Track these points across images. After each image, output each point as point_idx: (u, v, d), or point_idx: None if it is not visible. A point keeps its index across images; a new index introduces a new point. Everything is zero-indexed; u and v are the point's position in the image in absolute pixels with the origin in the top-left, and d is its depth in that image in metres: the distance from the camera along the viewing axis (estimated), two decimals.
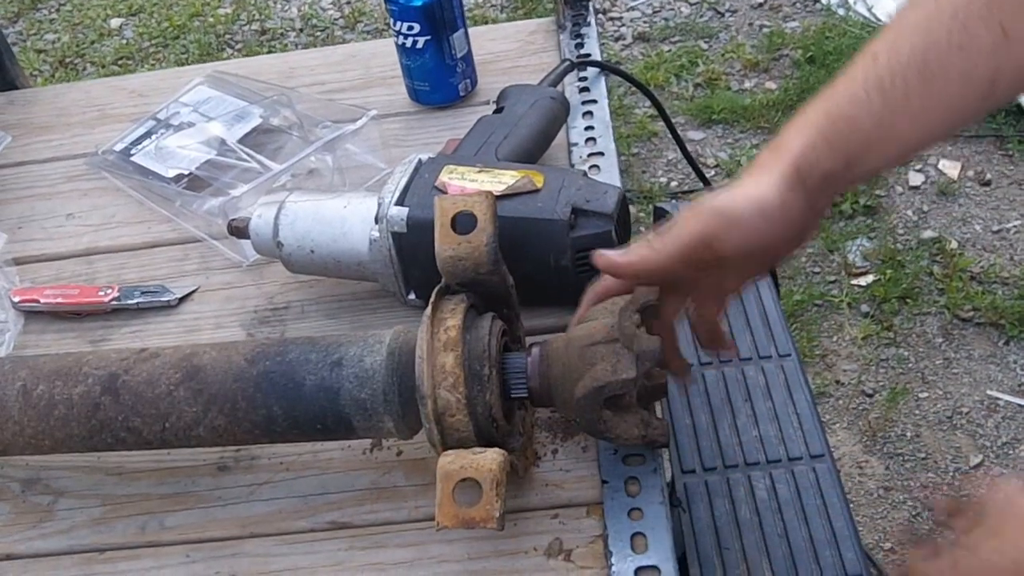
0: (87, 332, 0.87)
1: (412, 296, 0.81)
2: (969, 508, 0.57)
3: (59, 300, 0.88)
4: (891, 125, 0.62)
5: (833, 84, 0.63)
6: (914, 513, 1.68)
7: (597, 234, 0.74)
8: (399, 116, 1.03)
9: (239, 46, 2.93)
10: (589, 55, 1.05)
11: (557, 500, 0.68)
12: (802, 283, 2.02)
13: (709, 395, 1.10)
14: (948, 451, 1.75)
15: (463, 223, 0.66)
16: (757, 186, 0.62)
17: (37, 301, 0.88)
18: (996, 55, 0.60)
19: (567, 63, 1.00)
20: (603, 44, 2.64)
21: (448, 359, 0.62)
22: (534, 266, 0.74)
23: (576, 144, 0.94)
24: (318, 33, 2.94)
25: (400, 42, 0.98)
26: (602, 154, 0.92)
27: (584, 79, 1.02)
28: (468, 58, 1.01)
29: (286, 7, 3.06)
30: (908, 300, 1.95)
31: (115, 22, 3.10)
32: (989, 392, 1.80)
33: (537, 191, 0.76)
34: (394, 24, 0.97)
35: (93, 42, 3.03)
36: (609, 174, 0.90)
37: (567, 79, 1.00)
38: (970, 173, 2.19)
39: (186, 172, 0.96)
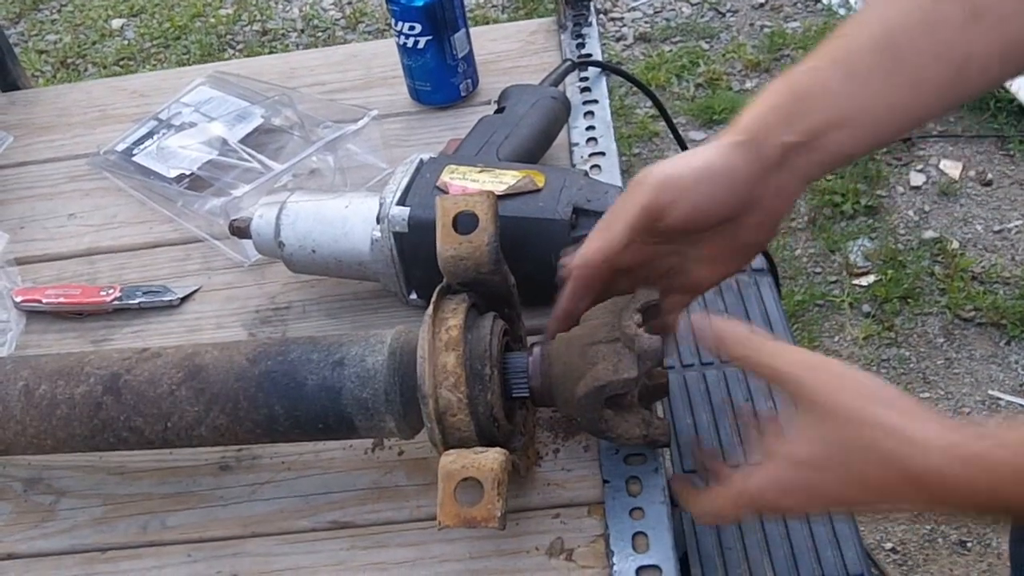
0: (89, 332, 0.87)
1: (413, 296, 0.81)
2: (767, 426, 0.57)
3: (61, 300, 0.88)
4: (856, 101, 0.61)
5: (800, 62, 0.63)
6: (915, 513, 1.68)
7: None
8: (400, 116, 1.03)
9: (240, 47, 2.93)
10: (590, 55, 1.05)
11: (558, 499, 0.68)
12: (803, 283, 2.02)
13: (710, 395, 1.10)
14: None
15: (464, 223, 0.66)
16: (703, 153, 0.62)
17: (39, 301, 0.88)
18: (966, 33, 0.59)
19: (568, 63, 1.00)
20: (604, 44, 2.64)
21: (449, 359, 0.62)
22: (535, 266, 0.74)
23: (577, 144, 0.94)
24: (319, 33, 2.94)
25: (401, 42, 0.98)
26: (603, 154, 0.93)
27: (585, 79, 1.02)
28: (469, 58, 1.01)
29: (287, 8, 3.06)
30: (909, 300, 1.95)
31: (116, 23, 3.11)
32: (991, 392, 1.80)
33: (538, 191, 0.76)
34: (395, 24, 0.97)
35: (94, 43, 3.03)
36: (610, 174, 0.90)
37: (568, 79, 1.00)
38: (971, 173, 2.19)
39: (188, 172, 0.96)
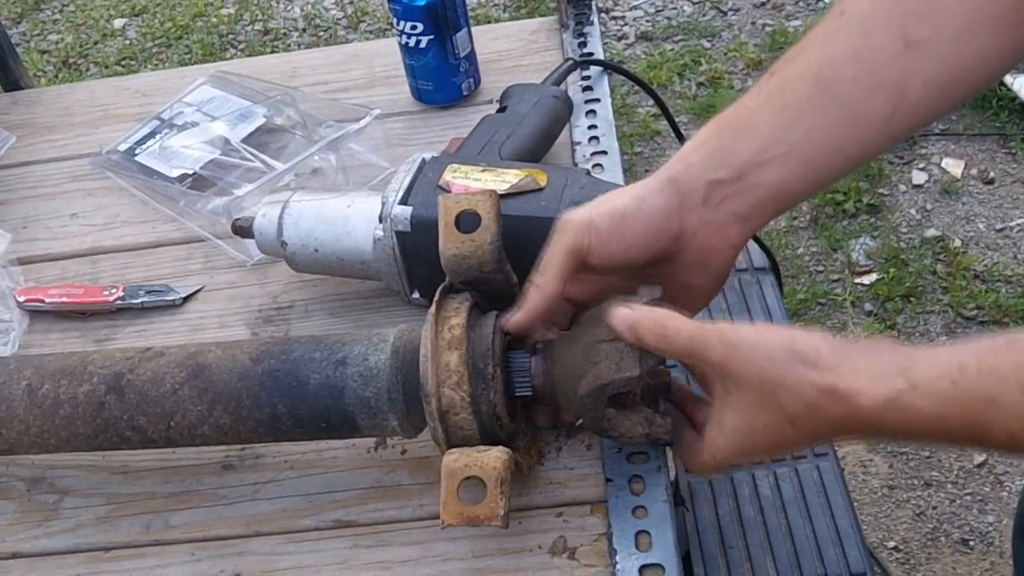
0: (92, 331, 0.87)
1: (416, 295, 0.81)
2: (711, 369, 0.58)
3: (64, 299, 0.88)
4: (786, 135, 0.60)
5: (734, 102, 0.63)
6: (918, 512, 1.68)
7: None
8: (402, 115, 1.04)
9: (242, 46, 2.93)
10: (592, 54, 1.05)
11: (561, 498, 0.68)
12: (806, 282, 2.02)
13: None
14: (952, 449, 1.75)
15: (467, 222, 0.66)
16: (628, 193, 0.63)
17: (42, 301, 0.88)
18: (901, 63, 0.58)
19: (570, 62, 1.00)
20: (606, 43, 2.64)
21: (452, 357, 0.62)
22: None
23: (579, 143, 0.94)
24: (321, 33, 2.94)
25: (403, 42, 0.98)
26: (605, 153, 0.93)
27: (587, 78, 1.02)
28: (471, 57, 1.01)
29: (289, 7, 3.06)
30: (912, 299, 1.95)
31: (118, 22, 3.11)
32: None
33: (540, 190, 0.76)
34: (397, 24, 0.97)
35: (96, 42, 3.04)
36: (612, 173, 0.90)
37: (570, 78, 1.00)
38: (973, 171, 2.19)
39: (190, 172, 0.96)
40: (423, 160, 0.81)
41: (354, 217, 0.79)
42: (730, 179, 0.61)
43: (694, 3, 2.79)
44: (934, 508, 1.68)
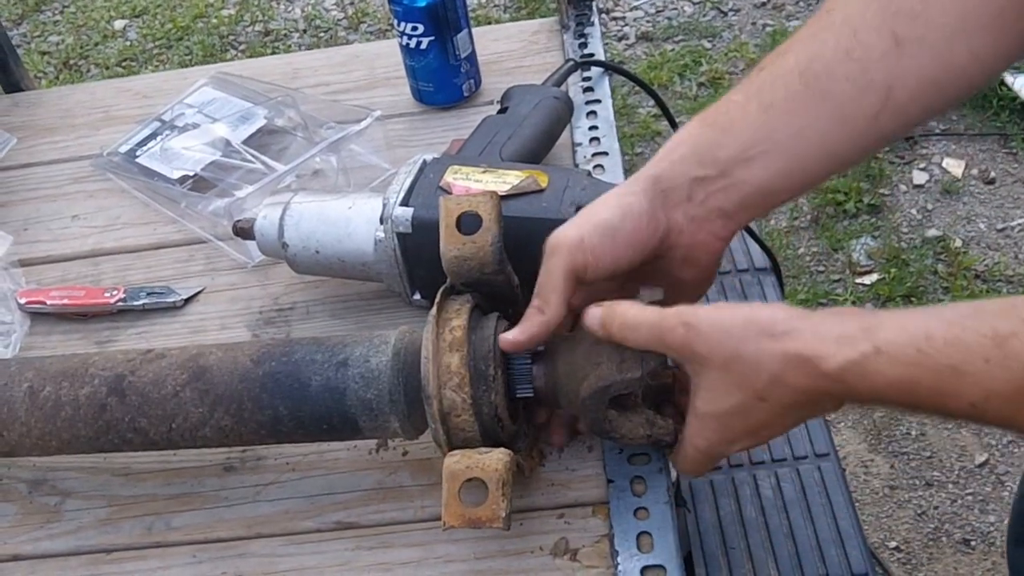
0: (93, 333, 0.87)
1: (417, 296, 0.81)
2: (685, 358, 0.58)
3: (65, 301, 0.88)
4: (772, 133, 0.60)
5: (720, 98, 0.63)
6: (919, 512, 1.68)
7: None
8: (403, 117, 1.04)
9: (243, 47, 2.93)
10: (593, 55, 1.05)
11: (563, 500, 0.68)
12: (807, 282, 2.02)
13: None
14: (953, 450, 1.75)
15: (468, 223, 0.66)
16: (609, 201, 0.62)
17: (43, 302, 0.89)
18: (889, 61, 0.58)
19: (571, 63, 1.00)
20: (606, 44, 2.64)
21: (453, 359, 0.62)
22: (539, 266, 0.74)
23: (580, 144, 0.94)
24: (321, 34, 2.94)
25: (404, 43, 0.98)
26: (606, 154, 0.93)
27: (588, 79, 1.02)
28: (472, 58, 1.01)
29: (289, 8, 3.06)
30: (913, 299, 1.95)
31: (119, 24, 3.11)
32: None
33: (541, 191, 0.76)
34: (398, 25, 0.97)
35: (97, 44, 3.04)
36: (613, 174, 0.90)
37: (571, 79, 1.00)
38: (974, 171, 2.18)
39: (191, 173, 0.96)
40: (424, 161, 0.81)
41: (355, 218, 0.79)
42: (714, 176, 0.61)
43: (695, 3, 2.79)
44: (935, 508, 1.68)
